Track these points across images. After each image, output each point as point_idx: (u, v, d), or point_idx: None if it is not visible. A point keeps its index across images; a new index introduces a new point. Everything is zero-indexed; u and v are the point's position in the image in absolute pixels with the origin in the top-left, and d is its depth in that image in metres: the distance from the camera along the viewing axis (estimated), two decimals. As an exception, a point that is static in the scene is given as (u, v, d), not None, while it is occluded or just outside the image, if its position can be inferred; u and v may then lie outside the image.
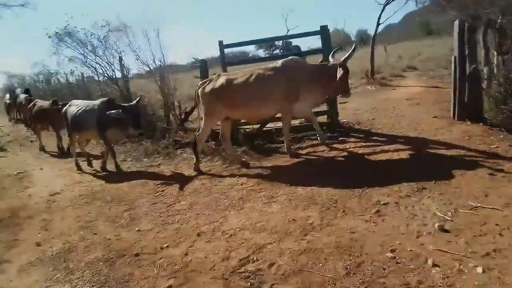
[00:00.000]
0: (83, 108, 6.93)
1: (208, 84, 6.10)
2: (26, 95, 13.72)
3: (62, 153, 9.20)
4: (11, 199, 6.03)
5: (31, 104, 10.22)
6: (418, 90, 10.06)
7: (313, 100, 6.08)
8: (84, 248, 4.04)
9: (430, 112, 7.39)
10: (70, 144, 7.60)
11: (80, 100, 7.66)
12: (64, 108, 7.40)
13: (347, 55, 5.66)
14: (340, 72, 5.60)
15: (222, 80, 5.99)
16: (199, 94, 6.14)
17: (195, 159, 6.21)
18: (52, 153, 9.48)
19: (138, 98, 6.90)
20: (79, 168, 7.36)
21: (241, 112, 6.10)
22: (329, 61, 6.01)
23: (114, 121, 6.35)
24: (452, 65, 6.72)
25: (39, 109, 9.57)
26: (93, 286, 3.31)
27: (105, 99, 7.02)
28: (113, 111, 6.17)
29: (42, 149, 9.84)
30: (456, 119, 6.57)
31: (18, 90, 16.40)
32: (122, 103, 7.29)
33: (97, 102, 6.93)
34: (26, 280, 3.56)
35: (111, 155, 6.99)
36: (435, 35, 26.68)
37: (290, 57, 6.25)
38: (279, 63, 6.00)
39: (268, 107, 5.98)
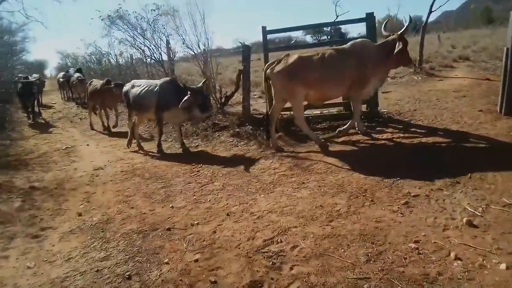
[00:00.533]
0: (146, 88, 6.96)
1: (277, 64, 6.03)
2: (79, 75, 14.40)
3: (108, 132, 9.59)
4: (58, 172, 6.46)
5: (88, 83, 10.61)
6: (467, 82, 9.62)
7: (379, 79, 6.16)
8: (121, 220, 4.30)
9: (476, 105, 7.09)
10: (129, 124, 7.63)
11: (142, 80, 7.88)
12: (126, 88, 7.43)
13: (404, 28, 5.83)
14: (399, 45, 5.62)
15: (294, 58, 5.92)
16: (269, 74, 6.12)
17: (270, 138, 6.34)
18: (99, 131, 9.92)
19: (204, 80, 6.96)
20: (140, 148, 7.41)
21: (314, 91, 5.98)
22: (383, 35, 6.09)
23: (174, 101, 6.42)
24: (504, 57, 6.40)
25: (93, 89, 9.85)
26: (126, 255, 3.52)
27: (167, 78, 7.19)
28: (185, 101, 6.23)
29: (104, 127, 9.98)
30: (503, 113, 6.28)
31: (71, 70, 17.25)
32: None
33: (159, 81, 7.02)
34: (66, 246, 3.84)
35: (159, 135, 7.18)
36: (497, 24, 25.20)
37: (359, 39, 6.33)
38: (348, 45, 6.04)
39: (340, 88, 6.04)
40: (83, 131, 10.18)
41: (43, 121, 12.28)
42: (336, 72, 5.80)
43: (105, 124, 9.90)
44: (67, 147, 8.16)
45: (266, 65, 6.25)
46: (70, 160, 7.19)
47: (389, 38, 5.89)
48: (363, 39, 6.37)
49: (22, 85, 11.50)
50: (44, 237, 4.07)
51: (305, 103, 6.37)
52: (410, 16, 6.67)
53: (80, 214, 4.57)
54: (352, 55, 5.83)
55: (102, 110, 9.92)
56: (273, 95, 6.25)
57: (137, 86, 7.18)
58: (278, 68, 5.95)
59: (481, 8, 28.49)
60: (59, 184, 5.75)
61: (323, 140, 6.15)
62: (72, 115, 13.21)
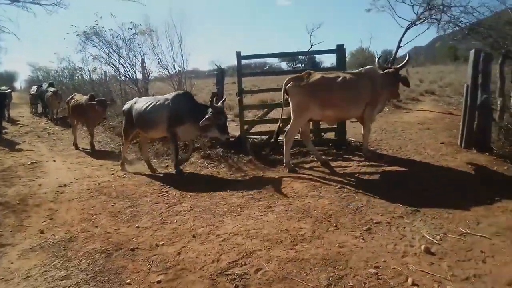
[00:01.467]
0: (153, 102, 6.60)
1: (298, 80, 6.13)
2: (54, 88, 14.11)
3: (92, 150, 8.99)
4: (22, 187, 6.28)
5: (69, 98, 10.06)
6: (432, 115, 10.06)
7: (382, 105, 6.55)
8: (84, 239, 4.21)
9: (439, 138, 7.42)
10: (125, 144, 7.25)
11: (147, 97, 7.56)
12: (127, 106, 7.07)
13: (402, 64, 6.38)
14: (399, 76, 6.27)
15: (317, 77, 6.09)
16: (288, 89, 6.16)
17: (285, 158, 6.31)
18: (86, 150, 9.38)
19: (223, 99, 6.56)
20: (152, 169, 6.94)
21: (332, 111, 6.17)
22: (376, 67, 6.50)
23: (189, 116, 6.23)
24: (464, 93, 6.76)
25: (76, 103, 9.40)
26: (87, 274, 3.45)
27: (180, 91, 6.90)
28: (206, 119, 6.00)
29: (76, 146, 9.54)
30: (463, 147, 6.59)
31: (44, 84, 16.93)
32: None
33: (170, 95, 6.68)
34: (25, 263, 3.73)
35: (173, 154, 6.67)
36: (462, 61, 26.51)
37: (369, 66, 6.67)
38: (363, 70, 6.37)
39: (355, 109, 6.22)
40: (51, 146, 9.95)
41: (7, 136, 11.94)
42: (353, 94, 6.08)
43: (76, 141, 9.61)
44: (32, 162, 7.96)
45: (286, 80, 6.27)
46: (35, 175, 7.01)
47: (389, 70, 6.28)
48: (372, 66, 6.70)
49: None
50: (3, 254, 3.94)
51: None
52: (408, 54, 7.22)
53: (42, 232, 4.46)
54: (367, 78, 6.19)
55: (77, 126, 9.77)
56: (291, 112, 6.30)
57: (142, 101, 6.85)
58: (299, 83, 6.09)
59: (446, 46, 29.92)
60: (22, 200, 5.59)
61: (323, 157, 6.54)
62: (40, 129, 12.90)
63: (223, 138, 6.27)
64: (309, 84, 6.03)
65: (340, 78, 6.09)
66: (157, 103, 6.56)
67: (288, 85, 6.15)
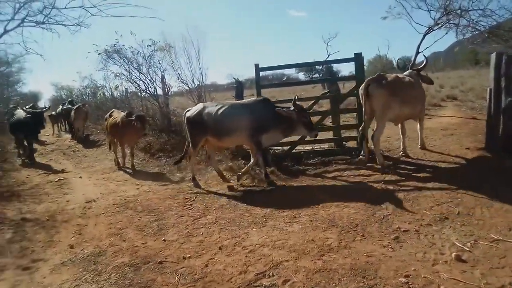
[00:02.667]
0: (230, 108, 6.38)
1: (379, 80, 6.35)
2: (80, 104, 14.36)
3: (135, 172, 8.34)
4: (50, 203, 6.44)
5: (107, 115, 9.62)
6: (455, 120, 9.90)
7: None
8: (113, 253, 4.28)
9: (464, 143, 7.29)
10: (193, 154, 6.87)
11: (215, 101, 7.27)
12: (195, 112, 6.60)
13: (422, 65, 7.13)
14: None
15: (393, 76, 6.52)
16: (370, 90, 6.30)
17: (378, 160, 6.52)
18: (127, 169, 8.80)
19: (296, 96, 6.45)
20: (225, 180, 6.73)
21: (407, 109, 6.61)
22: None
23: (272, 124, 6.18)
24: (487, 97, 6.67)
25: (114, 121, 8.85)
26: (117, 288, 3.52)
27: (259, 98, 6.81)
28: (301, 124, 6.11)
29: (119, 166, 8.96)
30: (489, 152, 6.46)
31: (67, 102, 17.37)
32: (162, 119, 7.62)
33: (248, 101, 6.63)
34: (57, 278, 3.82)
35: (260, 163, 6.38)
36: (483, 65, 26.07)
37: (407, 71, 7.08)
38: (408, 72, 7.02)
39: (419, 107, 6.93)
40: (76, 163, 10.18)
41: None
42: (419, 92, 6.87)
43: (120, 161, 8.99)
44: (59, 179, 8.16)
45: (366, 81, 6.41)
46: (62, 192, 7.18)
47: (413, 71, 7.01)
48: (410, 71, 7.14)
49: (29, 115, 9.88)
50: (35, 269, 4.04)
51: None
52: (425, 56, 7.92)
53: (71, 247, 4.55)
54: (419, 81, 6.95)
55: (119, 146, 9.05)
56: (367, 114, 6.56)
57: (214, 106, 6.52)
58: (381, 84, 6.32)
59: (465, 50, 29.50)
60: (51, 216, 5.72)
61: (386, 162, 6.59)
62: (65, 147, 13.22)
63: (312, 134, 6.33)
64: (389, 83, 6.32)
65: (406, 78, 6.64)
66: (236, 109, 6.38)
67: (370, 86, 6.29)
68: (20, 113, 10.54)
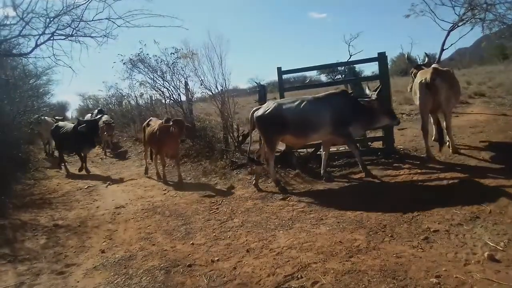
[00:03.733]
0: (310, 102, 6.19)
1: (442, 75, 6.50)
2: (107, 118, 14.31)
3: (181, 185, 7.57)
4: (81, 210, 6.62)
5: (145, 124, 9.06)
6: (484, 117, 9.65)
7: None
8: (143, 257, 4.37)
9: (493, 140, 7.10)
10: (269, 156, 6.41)
11: (289, 98, 6.79)
12: (271, 108, 6.29)
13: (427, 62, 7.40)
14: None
15: (445, 70, 6.90)
16: (438, 85, 6.32)
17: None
18: (171, 181, 8.15)
19: (379, 86, 6.46)
20: (330, 178, 6.42)
21: (454, 101, 7.05)
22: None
23: (357, 115, 6.12)
24: (518, 92, 6.48)
25: (152, 129, 8.28)
26: (148, 291, 3.59)
27: (337, 90, 6.79)
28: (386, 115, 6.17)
29: (164, 180, 8.09)
30: (520, 148, 6.28)
31: (96, 112, 17.58)
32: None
33: (328, 94, 6.40)
34: (90, 282, 3.92)
35: (356, 155, 6.32)
36: (511, 60, 25.32)
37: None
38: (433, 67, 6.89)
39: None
40: (104, 170, 10.42)
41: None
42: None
43: (161, 173, 8.34)
44: (89, 186, 8.37)
45: (431, 75, 6.40)
46: (92, 198, 7.37)
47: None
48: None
49: (84, 125, 9.31)
50: (69, 274, 4.16)
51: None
52: (425, 53, 8.12)
53: (103, 251, 4.66)
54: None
55: (158, 156, 8.42)
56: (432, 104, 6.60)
57: (292, 102, 6.32)
58: (444, 78, 6.48)
59: (493, 45, 28.72)
60: (82, 222, 5.89)
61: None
62: (93, 155, 13.53)
63: (396, 122, 6.44)
64: (448, 77, 6.63)
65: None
66: (318, 104, 6.20)
67: (436, 80, 6.31)
68: (66, 124, 10.48)
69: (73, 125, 10.16)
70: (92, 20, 8.10)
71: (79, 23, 8.06)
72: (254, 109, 6.61)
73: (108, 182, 8.65)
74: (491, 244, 3.52)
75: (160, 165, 8.42)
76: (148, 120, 9.06)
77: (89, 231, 5.50)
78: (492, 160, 6.06)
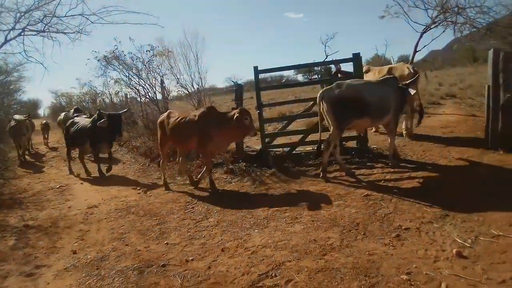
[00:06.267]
0: (378, 85, 6.14)
1: None
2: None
3: (214, 189, 6.55)
4: (52, 210, 6.46)
5: (162, 117, 7.04)
6: (454, 118, 9.91)
7: None
8: (116, 257, 4.30)
9: (463, 140, 7.31)
10: (333, 139, 6.13)
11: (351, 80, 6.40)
12: (348, 87, 5.95)
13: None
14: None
15: None
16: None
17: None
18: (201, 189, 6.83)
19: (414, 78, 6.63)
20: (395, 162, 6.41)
21: None
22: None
23: (404, 101, 6.22)
24: (486, 94, 6.68)
25: (178, 121, 6.56)
26: (121, 292, 3.54)
27: (390, 76, 6.86)
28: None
29: (195, 183, 6.96)
30: (489, 148, 6.47)
31: (72, 111, 16.88)
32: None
33: (384, 79, 6.41)
34: (61, 284, 3.84)
35: (391, 145, 6.42)
36: (482, 62, 26.06)
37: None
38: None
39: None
40: (78, 169, 10.17)
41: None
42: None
43: (192, 177, 7.10)
44: (61, 186, 8.18)
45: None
46: (64, 198, 7.20)
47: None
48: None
49: (109, 119, 8.05)
50: (39, 275, 4.07)
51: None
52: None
53: (74, 252, 4.57)
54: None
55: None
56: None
57: (360, 82, 6.23)
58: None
59: (463, 48, 29.56)
60: (53, 223, 5.75)
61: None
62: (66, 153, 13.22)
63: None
64: None
65: None
66: (383, 87, 6.10)
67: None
68: (80, 119, 9.31)
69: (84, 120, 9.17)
70: (65, 16, 7.95)
71: (51, 19, 7.89)
72: (324, 89, 6.28)
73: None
74: (459, 241, 3.63)
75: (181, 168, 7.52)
76: (166, 113, 7.20)
77: (60, 232, 5.37)
78: (461, 160, 6.23)
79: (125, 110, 9.35)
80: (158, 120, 7.15)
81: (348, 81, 6.21)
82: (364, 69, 8.33)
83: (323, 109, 6.11)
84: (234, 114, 6.14)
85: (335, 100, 5.92)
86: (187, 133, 6.45)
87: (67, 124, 9.55)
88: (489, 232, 3.74)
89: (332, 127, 6.10)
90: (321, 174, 6.28)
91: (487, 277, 2.99)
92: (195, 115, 6.44)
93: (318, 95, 6.23)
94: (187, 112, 7.02)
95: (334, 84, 6.11)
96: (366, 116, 5.98)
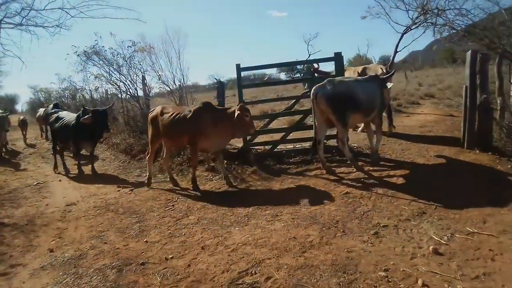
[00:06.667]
0: (362, 83, 6.26)
1: None
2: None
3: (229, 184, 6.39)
4: (29, 208, 6.33)
5: (157, 112, 6.82)
6: (433, 118, 10.11)
7: None
8: (94, 255, 4.24)
9: (441, 140, 7.45)
10: (343, 135, 6.20)
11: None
12: (347, 87, 6.04)
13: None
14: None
15: None
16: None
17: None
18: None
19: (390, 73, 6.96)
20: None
21: None
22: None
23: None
24: (463, 94, 6.82)
25: (177, 116, 6.30)
26: (99, 291, 3.49)
27: (374, 75, 6.98)
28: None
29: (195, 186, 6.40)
30: (465, 147, 6.62)
31: (51, 106, 16.30)
32: (143, 120, 7.38)
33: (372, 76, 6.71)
34: (37, 283, 3.77)
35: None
36: (460, 63, 26.58)
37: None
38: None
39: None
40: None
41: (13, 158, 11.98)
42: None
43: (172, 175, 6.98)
44: (38, 183, 8.02)
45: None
46: (41, 196, 7.06)
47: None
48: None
49: (93, 115, 7.75)
50: (14, 274, 3.98)
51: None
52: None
53: (51, 250, 4.49)
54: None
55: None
56: None
57: (352, 80, 6.44)
58: None
59: (443, 49, 30.08)
60: (30, 220, 5.64)
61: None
62: (44, 150, 12.98)
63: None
64: None
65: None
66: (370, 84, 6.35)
67: None
68: (66, 114, 8.95)
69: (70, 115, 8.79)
70: (44, 9, 7.71)
71: (29, 12, 7.65)
72: (317, 86, 6.19)
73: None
74: (435, 238, 3.72)
75: (168, 166, 7.21)
76: (158, 108, 6.91)
77: (37, 230, 5.27)
78: (438, 159, 6.36)
79: (110, 105, 9.04)
80: (150, 116, 6.86)
81: (338, 78, 6.36)
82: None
83: (318, 106, 6.15)
84: (234, 110, 5.99)
85: (330, 96, 5.98)
86: (182, 129, 6.24)
87: (51, 119, 9.25)
88: (464, 230, 3.84)
89: (336, 124, 6.20)
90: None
91: (461, 273, 3.07)
92: (190, 111, 6.26)
93: (312, 92, 6.24)
94: (182, 108, 6.88)
95: (325, 81, 6.17)
96: (357, 112, 6.11)
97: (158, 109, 6.81)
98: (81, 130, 7.97)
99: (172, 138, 6.60)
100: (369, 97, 6.12)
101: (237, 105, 6.08)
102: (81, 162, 8.59)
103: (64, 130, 8.53)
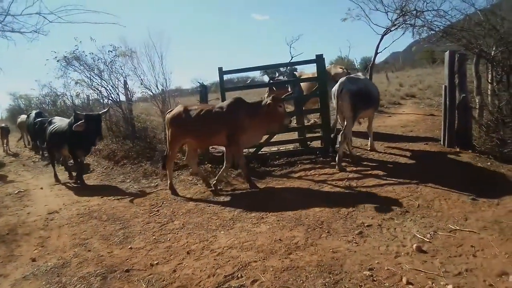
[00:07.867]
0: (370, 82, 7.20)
1: None
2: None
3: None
4: (10, 217, 6.19)
5: (179, 111, 6.23)
6: (414, 117, 10.26)
7: None
8: (78, 264, 4.17)
9: (422, 139, 7.57)
10: (347, 133, 6.49)
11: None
12: (347, 87, 6.32)
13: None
14: None
15: None
16: None
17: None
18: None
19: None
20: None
21: None
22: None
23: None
24: (443, 94, 6.95)
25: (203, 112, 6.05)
26: (83, 299, 3.44)
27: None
28: None
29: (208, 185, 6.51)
30: (446, 146, 6.75)
31: (34, 113, 15.77)
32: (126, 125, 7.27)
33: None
34: (19, 293, 3.70)
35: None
36: (439, 63, 27.01)
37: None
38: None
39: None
40: (37, 174, 9.83)
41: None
42: None
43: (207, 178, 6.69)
44: (19, 191, 7.86)
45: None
46: (22, 204, 6.92)
47: None
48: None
49: (86, 121, 7.23)
50: (-6, 286, 3.89)
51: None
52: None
53: (34, 260, 4.39)
54: None
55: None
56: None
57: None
58: None
59: (422, 49, 30.56)
60: (11, 230, 5.51)
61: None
62: (25, 158, 12.75)
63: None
64: None
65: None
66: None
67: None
68: (58, 120, 8.52)
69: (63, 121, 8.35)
70: (21, 15, 7.56)
71: (5, 17, 7.49)
72: (341, 82, 6.42)
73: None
74: (419, 236, 3.77)
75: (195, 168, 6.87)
76: (179, 107, 6.54)
77: (19, 239, 5.15)
78: (419, 157, 6.45)
79: (105, 110, 8.55)
80: (170, 115, 6.42)
81: (352, 75, 7.04)
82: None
83: (342, 101, 6.39)
84: (267, 102, 5.94)
85: (354, 93, 6.33)
86: (215, 127, 6.00)
87: (44, 125, 8.85)
88: (446, 227, 3.91)
89: (347, 119, 6.47)
90: (337, 166, 6.48)
91: (445, 270, 3.12)
92: (222, 107, 6.07)
93: (337, 88, 6.45)
94: (209, 105, 6.73)
95: (345, 79, 6.53)
96: (369, 108, 6.77)
97: (179, 108, 6.44)
98: (74, 138, 7.52)
99: (201, 137, 6.25)
100: (375, 95, 6.86)
101: (270, 96, 6.04)
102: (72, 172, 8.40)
103: (58, 137, 8.09)
